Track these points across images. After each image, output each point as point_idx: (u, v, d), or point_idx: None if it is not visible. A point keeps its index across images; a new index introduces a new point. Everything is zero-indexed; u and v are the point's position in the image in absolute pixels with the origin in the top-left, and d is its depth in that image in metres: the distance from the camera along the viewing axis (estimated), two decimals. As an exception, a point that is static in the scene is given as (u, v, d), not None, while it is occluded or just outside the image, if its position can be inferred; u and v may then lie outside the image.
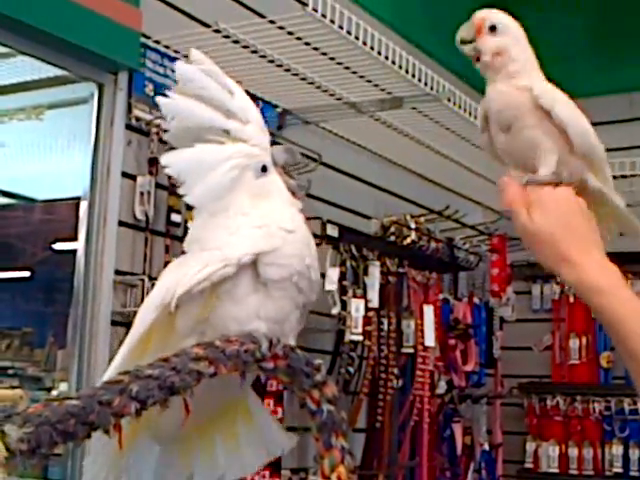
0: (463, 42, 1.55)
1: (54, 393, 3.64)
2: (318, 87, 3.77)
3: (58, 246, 5.12)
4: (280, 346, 1.43)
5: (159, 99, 1.42)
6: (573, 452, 5.45)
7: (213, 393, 1.44)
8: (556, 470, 5.47)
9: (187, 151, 1.41)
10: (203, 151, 1.41)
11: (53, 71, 3.33)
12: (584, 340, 5.71)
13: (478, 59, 1.54)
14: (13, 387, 4.02)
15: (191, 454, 1.52)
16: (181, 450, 1.51)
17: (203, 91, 1.41)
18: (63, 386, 4.10)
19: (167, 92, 1.42)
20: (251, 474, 1.63)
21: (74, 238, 3.36)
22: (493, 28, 1.53)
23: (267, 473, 3.55)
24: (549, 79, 1.58)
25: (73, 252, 3.35)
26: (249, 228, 1.40)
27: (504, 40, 1.53)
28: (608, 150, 1.56)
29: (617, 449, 5.33)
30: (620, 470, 5.30)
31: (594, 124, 1.62)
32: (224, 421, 1.53)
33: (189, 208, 1.49)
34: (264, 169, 1.43)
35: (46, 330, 5.03)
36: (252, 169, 1.42)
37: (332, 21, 3.19)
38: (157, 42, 3.45)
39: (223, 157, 1.41)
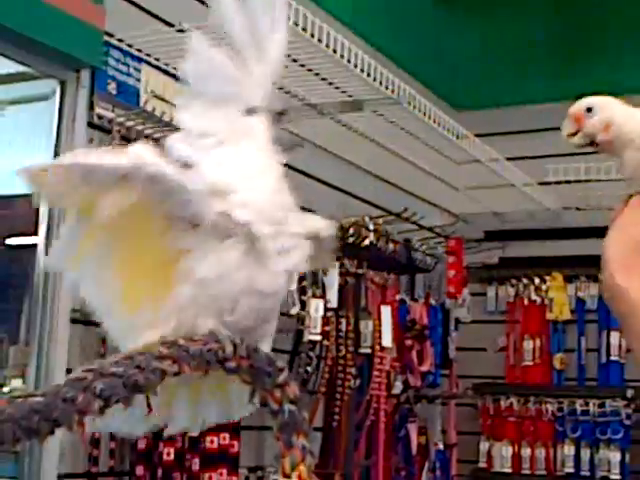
0: (571, 136, 1.60)
1: (5, 390, 3.62)
2: (280, 88, 3.79)
3: (12, 241, 5.07)
4: (243, 347, 1.45)
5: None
6: (526, 452, 5.52)
7: None
8: (509, 470, 5.54)
9: (212, 46, 1.43)
10: (225, 57, 1.42)
11: (15, 67, 3.31)
12: (538, 342, 5.78)
13: (595, 144, 1.57)
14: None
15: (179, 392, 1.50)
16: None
17: (252, 11, 1.43)
18: (15, 382, 4.07)
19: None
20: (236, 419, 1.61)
21: (31, 233, 3.34)
22: (589, 110, 1.58)
23: (225, 471, 3.57)
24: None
25: (28, 247, 3.33)
26: (219, 158, 1.39)
27: (604, 113, 1.56)
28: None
29: (569, 449, 5.40)
30: (572, 470, 5.38)
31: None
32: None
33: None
34: (252, 111, 1.43)
35: (-3, 326, 4.98)
36: (242, 103, 1.42)
37: (295, 24, 3.21)
38: (120, 40, 3.45)
39: (232, 75, 1.42)
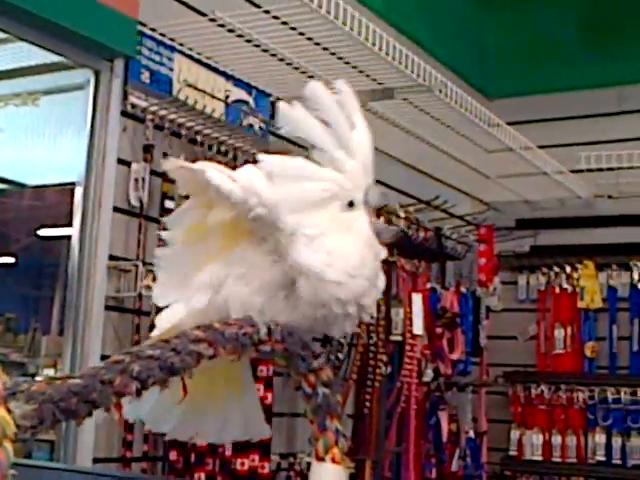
0: None
1: (38, 379, 3.66)
2: (311, 76, 3.81)
3: (44, 232, 5.12)
4: (278, 330, 1.47)
5: (280, 105, 1.44)
6: (557, 440, 5.52)
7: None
8: (540, 458, 5.54)
9: (287, 158, 1.44)
10: (304, 162, 1.44)
11: (50, 57, 3.35)
12: (569, 330, 5.77)
13: None
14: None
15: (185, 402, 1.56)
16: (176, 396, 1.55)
17: (327, 114, 1.43)
18: (48, 372, 4.11)
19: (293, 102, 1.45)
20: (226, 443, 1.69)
21: (65, 224, 3.38)
22: None
23: (257, 457, 3.60)
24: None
25: (60, 238, 3.37)
26: (322, 248, 1.42)
27: None
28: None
29: (600, 437, 5.40)
30: (603, 458, 5.37)
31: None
32: (214, 386, 1.57)
33: (185, 195, 1.53)
34: (351, 204, 1.44)
35: (30, 316, 5.04)
36: (340, 200, 1.44)
37: (328, 12, 3.23)
38: (153, 30, 3.48)
39: (319, 176, 1.44)
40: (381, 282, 1.49)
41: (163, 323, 1.53)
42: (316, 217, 1.44)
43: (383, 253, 1.47)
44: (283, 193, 1.44)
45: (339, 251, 1.43)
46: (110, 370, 1.32)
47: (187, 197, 1.51)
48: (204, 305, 1.48)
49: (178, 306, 1.53)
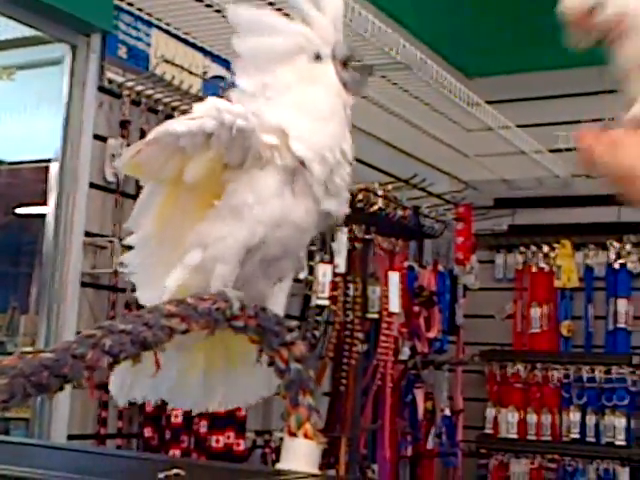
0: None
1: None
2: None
3: (22, 210, 5.08)
4: (251, 306, 1.47)
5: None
6: (532, 418, 5.55)
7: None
8: (515, 436, 5.57)
9: (255, 10, 1.48)
10: (269, 15, 1.48)
11: (26, 31, 3.33)
12: (545, 309, 5.80)
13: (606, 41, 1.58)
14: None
15: (193, 371, 1.55)
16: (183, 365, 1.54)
17: None
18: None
19: None
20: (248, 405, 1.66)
21: (42, 202, 3.36)
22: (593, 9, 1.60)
23: (232, 434, 3.61)
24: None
25: (38, 215, 3.35)
26: (284, 104, 1.45)
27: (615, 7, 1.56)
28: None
29: (574, 416, 5.43)
30: (577, 436, 5.41)
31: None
32: (225, 350, 1.56)
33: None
34: (318, 57, 1.48)
35: (8, 295, 5.01)
36: (307, 52, 1.47)
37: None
38: (131, 5, 3.46)
39: (285, 29, 1.47)
40: (349, 153, 1.49)
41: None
42: (281, 71, 1.46)
43: (351, 102, 1.50)
44: (250, 46, 1.46)
45: (307, 102, 1.45)
46: (82, 344, 1.31)
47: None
48: (198, 261, 1.46)
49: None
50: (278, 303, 1.57)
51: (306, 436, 1.47)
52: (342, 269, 4.18)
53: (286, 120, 1.43)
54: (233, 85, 1.51)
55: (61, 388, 1.29)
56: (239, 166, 1.43)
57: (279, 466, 1.45)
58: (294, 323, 1.50)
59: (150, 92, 3.47)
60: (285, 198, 1.43)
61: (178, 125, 1.39)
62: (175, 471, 1.30)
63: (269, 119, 1.42)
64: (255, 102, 1.45)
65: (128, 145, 3.40)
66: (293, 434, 1.47)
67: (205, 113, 1.39)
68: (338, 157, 1.46)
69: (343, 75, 1.49)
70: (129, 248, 1.55)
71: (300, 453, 1.46)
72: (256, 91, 1.46)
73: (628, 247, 5.63)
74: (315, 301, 4.02)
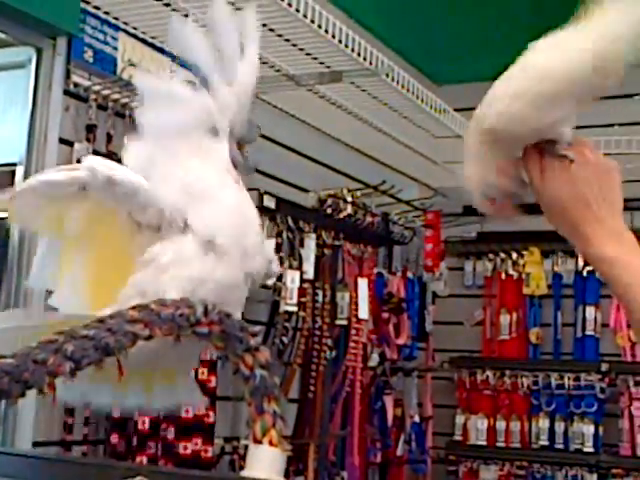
0: None
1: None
2: (258, 58, 3.77)
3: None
4: (215, 312, 1.46)
5: (173, 19, 1.43)
6: (501, 425, 5.56)
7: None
8: (484, 442, 5.58)
9: (159, 79, 1.44)
10: (173, 85, 1.41)
11: (-10, 34, 3.29)
12: (514, 316, 5.82)
13: None
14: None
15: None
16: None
17: (219, 36, 1.42)
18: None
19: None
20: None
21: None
22: None
23: (200, 440, 3.58)
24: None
25: (3, 220, 3.31)
26: (173, 181, 1.40)
27: None
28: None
29: (543, 422, 5.45)
30: (546, 443, 5.43)
31: None
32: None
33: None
34: (214, 132, 1.43)
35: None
36: (204, 126, 1.42)
37: (273, -7, 3.20)
38: (97, 8, 3.43)
39: (187, 100, 1.41)
40: (254, 219, 1.46)
41: None
42: (177, 145, 1.41)
43: (239, 178, 1.45)
44: (149, 117, 1.41)
45: (197, 179, 1.41)
46: (43, 350, 1.29)
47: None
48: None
49: None
50: None
51: (271, 443, 1.45)
52: (310, 275, 4.18)
53: (178, 201, 1.39)
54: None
55: (23, 394, 1.26)
56: (156, 230, 1.41)
57: (244, 473, 1.44)
58: (257, 328, 1.49)
59: (117, 96, 3.45)
60: (205, 264, 1.41)
61: (53, 174, 1.37)
62: (139, 478, 1.28)
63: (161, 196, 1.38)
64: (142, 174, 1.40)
65: (94, 150, 3.38)
66: (258, 441, 1.46)
67: (81, 166, 1.37)
68: (240, 229, 1.42)
69: (235, 155, 1.46)
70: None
71: (265, 460, 1.44)
72: (143, 164, 1.40)
73: (596, 254, 5.66)
74: (283, 307, 4.01)
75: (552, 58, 1.41)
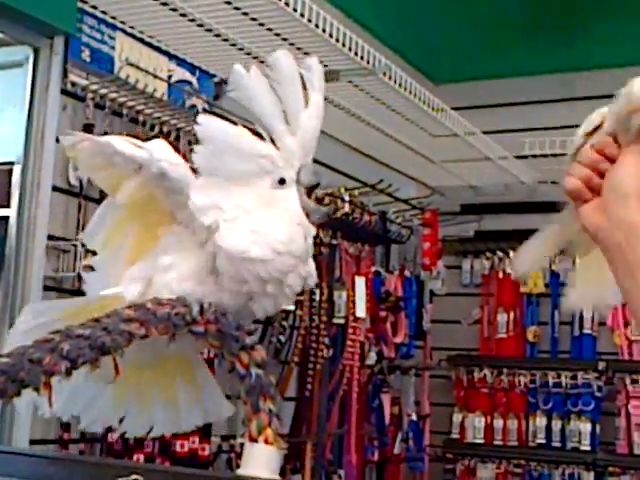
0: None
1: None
2: (255, 57, 3.78)
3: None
4: (211, 310, 1.46)
5: (236, 67, 1.42)
6: (498, 423, 5.56)
7: (156, 350, 1.48)
8: (481, 441, 5.58)
9: (226, 124, 1.42)
10: (240, 133, 1.41)
11: (-13, 34, 3.29)
12: (512, 315, 5.81)
13: None
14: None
15: (126, 398, 1.56)
16: (116, 392, 1.55)
17: (282, 85, 1.42)
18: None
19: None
20: (184, 431, 1.67)
21: (4, 205, 3.33)
22: None
23: (197, 439, 3.59)
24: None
25: (0, 218, 3.32)
26: (245, 227, 1.41)
27: None
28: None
29: (540, 421, 5.45)
30: (543, 441, 5.43)
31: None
32: (164, 377, 1.57)
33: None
34: (282, 182, 1.43)
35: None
36: (271, 177, 1.42)
37: (271, -8, 3.21)
38: (94, 7, 3.43)
39: (253, 149, 1.41)
40: (310, 264, 1.48)
41: None
42: (241, 193, 1.43)
43: (313, 232, 1.46)
44: (212, 163, 1.43)
45: (265, 228, 1.41)
46: (39, 349, 1.30)
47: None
48: (135, 297, 1.47)
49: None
50: None
51: (267, 442, 1.47)
52: (308, 274, 4.17)
53: (241, 244, 1.40)
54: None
55: (19, 393, 1.27)
56: (182, 224, 1.47)
57: (240, 472, 1.44)
58: (253, 326, 1.50)
59: (114, 95, 3.45)
60: (204, 284, 1.45)
61: (119, 143, 1.43)
62: (134, 477, 1.29)
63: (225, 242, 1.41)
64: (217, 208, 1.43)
65: (92, 149, 3.38)
66: (254, 440, 1.47)
67: (146, 147, 1.42)
68: (292, 284, 1.46)
69: (307, 203, 1.46)
70: (93, 253, 1.58)
71: (261, 459, 1.46)
72: (209, 211, 1.42)
73: (594, 253, 5.66)
74: (281, 306, 4.01)
75: None
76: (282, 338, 4.18)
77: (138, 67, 3.51)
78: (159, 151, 1.43)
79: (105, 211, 1.54)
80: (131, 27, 3.57)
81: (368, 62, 3.78)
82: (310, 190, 1.48)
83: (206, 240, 1.43)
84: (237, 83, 1.41)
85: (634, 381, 5.25)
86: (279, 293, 1.46)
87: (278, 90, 1.42)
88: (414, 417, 5.35)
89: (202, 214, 1.41)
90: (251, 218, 1.41)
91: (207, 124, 1.42)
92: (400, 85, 4.12)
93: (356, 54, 3.71)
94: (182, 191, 1.42)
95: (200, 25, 3.56)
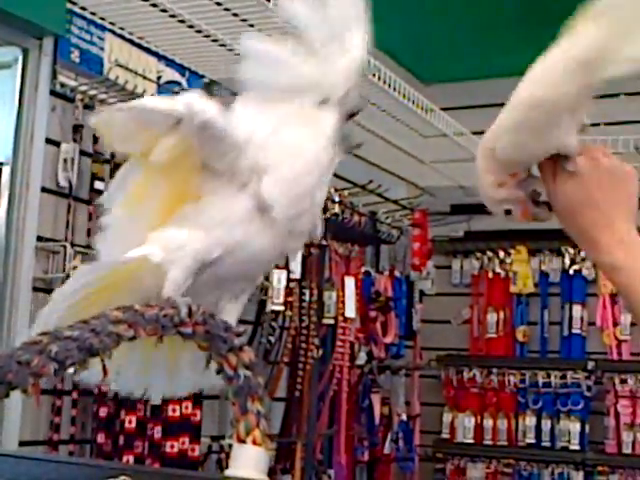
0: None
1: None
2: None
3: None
4: (199, 312, 1.46)
5: None
6: (488, 423, 5.58)
7: None
8: (471, 440, 5.60)
9: (267, 42, 1.39)
10: (285, 50, 1.38)
11: (-24, 35, 3.29)
12: (501, 314, 5.83)
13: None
14: None
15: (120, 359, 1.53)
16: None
17: (331, 9, 1.39)
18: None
19: None
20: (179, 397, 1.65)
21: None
22: None
23: (186, 440, 3.59)
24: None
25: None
26: (271, 143, 1.38)
27: None
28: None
29: (530, 420, 5.47)
30: (533, 441, 5.45)
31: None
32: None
33: (112, 176, 1.52)
34: (324, 102, 1.40)
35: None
36: (313, 95, 1.39)
37: (258, -7, 3.21)
38: (84, 8, 3.43)
39: (296, 67, 1.38)
40: (321, 193, 1.43)
41: None
42: (283, 108, 1.40)
43: (337, 158, 1.43)
44: (255, 77, 1.40)
45: (297, 144, 1.39)
46: (27, 351, 1.30)
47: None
48: (160, 259, 1.44)
49: None
50: (229, 319, 1.55)
51: (255, 443, 1.46)
52: (297, 275, 4.18)
53: (265, 163, 1.37)
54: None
55: (7, 395, 1.27)
56: (217, 176, 1.41)
57: (228, 473, 1.44)
58: (242, 328, 1.49)
59: (103, 96, 3.45)
60: (251, 226, 1.42)
61: (156, 102, 1.37)
62: (123, 478, 1.29)
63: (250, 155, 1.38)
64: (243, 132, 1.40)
65: (81, 150, 3.38)
66: (242, 441, 1.47)
67: (181, 101, 1.39)
68: (307, 207, 1.40)
69: (343, 129, 1.42)
70: (88, 247, 1.56)
71: (249, 460, 1.45)
72: (246, 122, 1.39)
73: (583, 253, 5.67)
74: (270, 307, 4.02)
75: (538, 82, 1.43)
76: (272, 339, 4.19)
77: (127, 68, 3.51)
78: (198, 103, 1.37)
79: (126, 173, 1.46)
80: (120, 28, 3.57)
81: (357, 63, 3.78)
82: (349, 117, 1.44)
83: (248, 179, 1.40)
84: (284, 4, 1.41)
85: (623, 381, 5.28)
86: (311, 211, 1.44)
87: (327, 13, 1.42)
88: (404, 417, 5.36)
89: (245, 150, 1.39)
90: (283, 134, 1.39)
91: (249, 42, 1.41)
92: (390, 85, 4.13)
93: (345, 55, 3.70)
94: (224, 138, 1.37)
95: (190, 26, 3.57)
